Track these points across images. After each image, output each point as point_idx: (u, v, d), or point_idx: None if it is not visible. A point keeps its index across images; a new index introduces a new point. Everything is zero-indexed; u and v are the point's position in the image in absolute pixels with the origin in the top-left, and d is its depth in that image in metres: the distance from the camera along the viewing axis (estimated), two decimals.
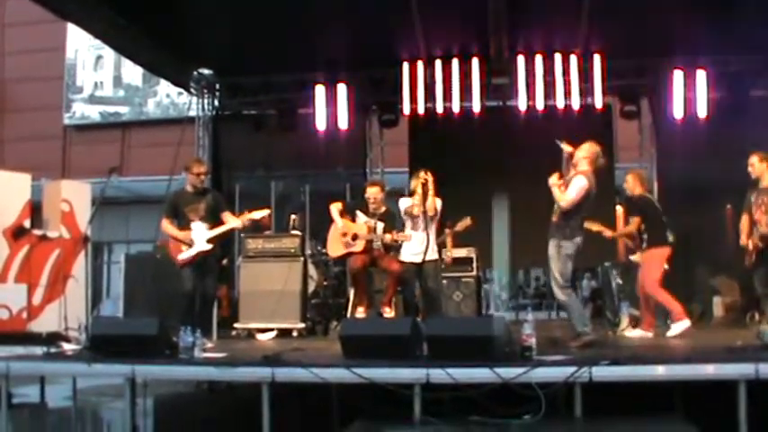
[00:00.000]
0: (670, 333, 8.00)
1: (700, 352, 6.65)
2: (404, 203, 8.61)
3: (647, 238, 8.43)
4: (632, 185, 8.63)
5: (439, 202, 8.49)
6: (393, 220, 8.79)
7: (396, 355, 5.69)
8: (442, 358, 5.57)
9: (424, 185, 8.25)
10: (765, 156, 7.92)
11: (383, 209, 8.86)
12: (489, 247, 10.85)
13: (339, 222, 8.89)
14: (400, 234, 8.50)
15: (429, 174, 8.35)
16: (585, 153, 7.14)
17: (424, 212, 8.25)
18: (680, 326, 7.98)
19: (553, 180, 7.09)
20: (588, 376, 5.24)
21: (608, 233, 8.69)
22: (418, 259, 8.33)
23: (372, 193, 8.81)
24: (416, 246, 8.35)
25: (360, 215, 8.86)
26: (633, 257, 8.79)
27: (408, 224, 8.51)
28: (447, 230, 9.29)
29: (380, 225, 8.72)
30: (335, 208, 9.00)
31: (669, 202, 11.03)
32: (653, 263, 8.34)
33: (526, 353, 5.74)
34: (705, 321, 10.42)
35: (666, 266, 8.65)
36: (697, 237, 9.38)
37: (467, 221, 9.41)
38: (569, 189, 7.01)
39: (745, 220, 8.06)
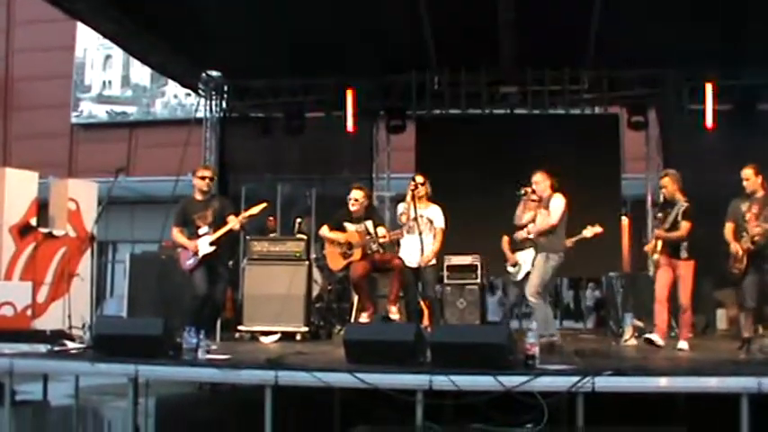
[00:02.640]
0: (680, 346, 7.90)
1: (703, 365, 6.64)
2: (399, 209, 8.85)
3: (688, 247, 7.99)
4: (672, 189, 8.04)
5: (436, 210, 8.65)
6: (378, 214, 8.81)
7: (399, 361, 5.70)
8: (446, 365, 5.58)
9: (414, 191, 8.48)
10: (759, 169, 7.85)
11: (365, 208, 8.79)
12: (495, 254, 10.79)
13: (337, 237, 8.76)
14: (394, 232, 8.62)
15: (422, 178, 8.63)
16: (543, 182, 8.05)
17: (417, 218, 8.31)
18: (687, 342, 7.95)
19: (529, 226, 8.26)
20: (591, 386, 5.26)
21: (662, 234, 8.00)
22: (415, 263, 8.50)
23: (357, 195, 8.66)
24: (412, 250, 8.45)
25: (347, 225, 8.74)
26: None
27: (405, 229, 8.61)
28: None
29: (369, 224, 8.68)
30: (325, 230, 8.83)
31: None
32: (694, 274, 8.08)
33: (529, 362, 5.76)
34: (708, 334, 10.40)
35: None
36: (702, 249, 9.34)
37: (597, 229, 8.87)
38: (552, 211, 7.87)
39: (729, 228, 7.88)
